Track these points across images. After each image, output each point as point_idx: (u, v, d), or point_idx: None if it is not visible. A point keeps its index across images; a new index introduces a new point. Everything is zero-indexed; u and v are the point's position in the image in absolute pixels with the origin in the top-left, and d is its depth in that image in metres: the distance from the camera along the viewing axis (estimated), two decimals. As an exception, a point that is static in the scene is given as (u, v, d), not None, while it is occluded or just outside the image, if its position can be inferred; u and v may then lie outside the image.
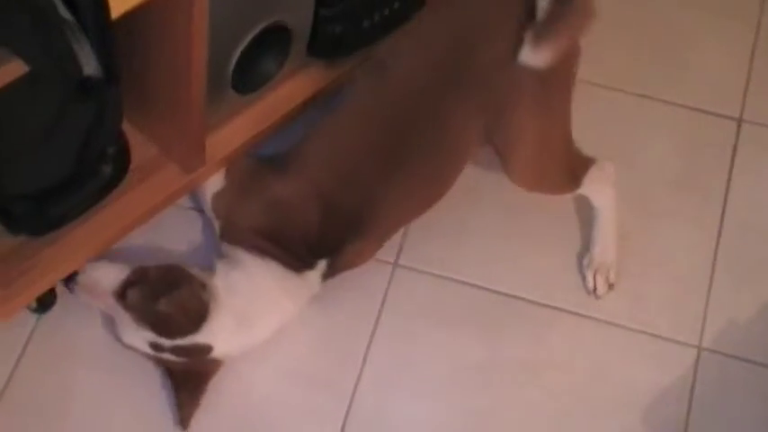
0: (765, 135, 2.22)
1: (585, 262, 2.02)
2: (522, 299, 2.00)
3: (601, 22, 2.24)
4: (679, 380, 1.94)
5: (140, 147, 1.90)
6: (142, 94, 1.84)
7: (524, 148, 1.90)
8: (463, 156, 1.93)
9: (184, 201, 2.01)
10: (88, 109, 1.67)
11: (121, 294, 1.80)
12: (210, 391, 1.84)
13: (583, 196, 2.03)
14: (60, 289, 1.88)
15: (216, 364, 1.83)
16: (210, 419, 1.83)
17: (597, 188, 2.01)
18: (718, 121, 2.23)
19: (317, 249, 1.87)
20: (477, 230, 2.06)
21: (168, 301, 1.77)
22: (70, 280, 1.84)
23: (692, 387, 1.93)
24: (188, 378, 1.81)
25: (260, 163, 1.93)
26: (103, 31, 1.51)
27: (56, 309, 1.90)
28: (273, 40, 1.89)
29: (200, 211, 2.00)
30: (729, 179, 2.16)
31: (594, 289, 2.01)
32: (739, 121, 2.24)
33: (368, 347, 1.93)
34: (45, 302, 1.88)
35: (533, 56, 1.78)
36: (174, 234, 1.98)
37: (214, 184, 1.92)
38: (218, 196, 1.92)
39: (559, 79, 1.87)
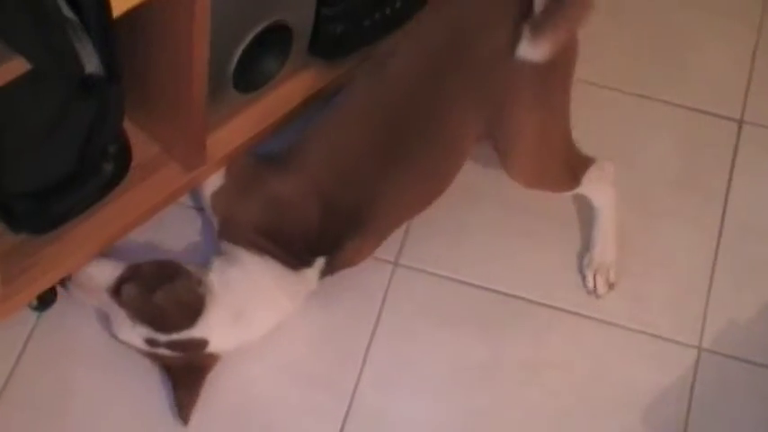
0: (766, 136, 2.22)
1: (585, 262, 2.02)
2: (523, 298, 2.00)
3: (601, 21, 2.26)
4: (679, 380, 1.94)
5: (142, 145, 1.90)
6: (143, 92, 1.84)
7: (523, 144, 1.90)
8: (462, 152, 1.93)
9: (185, 199, 2.01)
10: (90, 107, 1.67)
11: (116, 291, 1.81)
12: (209, 389, 1.84)
13: (583, 196, 2.03)
14: (64, 293, 1.88)
15: (213, 359, 1.83)
16: (210, 419, 1.83)
17: (597, 187, 2.01)
18: (719, 122, 2.23)
19: (315, 247, 1.87)
20: (477, 230, 2.06)
21: (164, 294, 1.77)
22: (64, 277, 1.84)
23: (692, 387, 1.94)
24: (185, 373, 1.81)
25: (259, 161, 1.93)
26: (105, 30, 1.51)
27: (56, 307, 1.90)
28: (274, 40, 1.89)
29: (200, 209, 2.00)
30: (730, 180, 2.16)
31: (595, 289, 2.01)
32: (740, 122, 2.24)
33: (368, 346, 1.93)
34: (46, 300, 1.88)
35: (531, 50, 1.78)
36: (173, 232, 1.98)
37: (214, 181, 1.92)
38: (217, 194, 1.92)
39: (558, 74, 1.87)
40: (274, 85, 1.97)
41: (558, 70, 1.86)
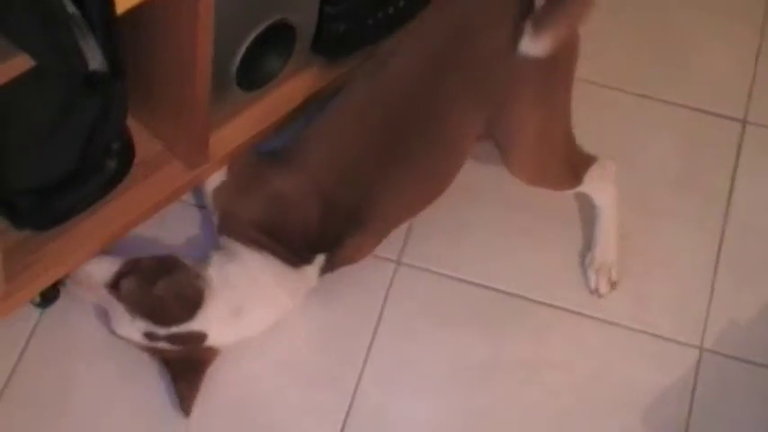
0: (769, 137, 2.23)
1: (587, 261, 2.03)
2: (524, 297, 2.00)
3: (603, 20, 2.26)
4: (680, 380, 1.94)
5: (145, 143, 1.90)
6: (147, 90, 1.85)
7: (525, 141, 1.90)
8: (462, 151, 1.93)
9: (186, 196, 2.01)
10: (93, 104, 1.67)
11: (114, 285, 1.81)
12: (210, 386, 1.84)
13: (584, 195, 2.04)
14: (63, 288, 1.89)
15: (212, 353, 1.83)
16: (210, 415, 1.83)
17: (598, 186, 2.01)
18: (722, 122, 2.23)
19: (315, 244, 1.87)
20: (479, 228, 2.06)
21: (163, 285, 1.78)
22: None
23: (694, 388, 1.94)
24: (185, 367, 1.81)
25: (261, 158, 1.94)
26: (109, 26, 1.52)
27: (59, 303, 1.90)
28: (278, 38, 1.90)
29: (202, 207, 2.00)
30: (733, 180, 2.16)
31: (597, 288, 2.01)
32: (743, 123, 2.24)
33: (370, 345, 1.93)
34: (48, 297, 1.88)
35: (533, 45, 1.79)
36: (174, 229, 1.98)
37: (215, 178, 1.93)
38: (218, 190, 1.92)
39: (559, 72, 1.87)
40: (277, 84, 1.98)
41: (560, 68, 1.87)
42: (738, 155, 2.19)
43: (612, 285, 2.01)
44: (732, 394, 1.93)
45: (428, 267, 2.01)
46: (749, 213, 2.13)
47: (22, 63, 1.48)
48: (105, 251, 1.86)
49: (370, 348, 1.93)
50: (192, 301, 1.80)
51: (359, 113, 1.89)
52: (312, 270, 1.88)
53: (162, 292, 1.78)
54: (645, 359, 1.96)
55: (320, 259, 1.87)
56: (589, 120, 2.06)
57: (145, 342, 1.81)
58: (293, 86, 2.00)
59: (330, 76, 2.02)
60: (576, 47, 1.88)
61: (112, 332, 1.83)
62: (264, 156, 1.94)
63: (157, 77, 1.82)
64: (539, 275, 2.02)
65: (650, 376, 1.94)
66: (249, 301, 1.84)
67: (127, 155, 1.86)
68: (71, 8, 1.45)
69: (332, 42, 2.00)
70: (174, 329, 1.79)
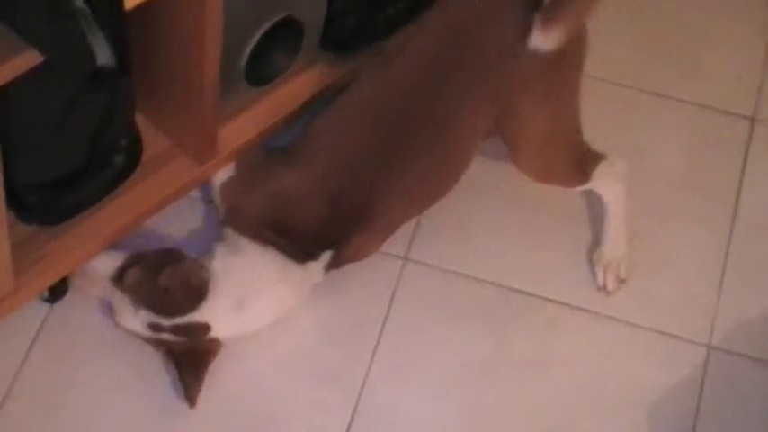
0: (779, 134, 2.23)
1: (595, 258, 2.02)
2: (531, 294, 2.00)
3: (613, 17, 2.25)
4: (688, 378, 1.94)
5: (152, 138, 1.90)
6: (155, 86, 1.85)
7: (533, 137, 1.90)
8: (469, 148, 1.93)
9: (194, 191, 2.01)
10: (101, 99, 1.68)
11: (119, 278, 1.81)
12: (216, 381, 1.84)
13: (592, 192, 2.03)
14: (72, 279, 1.89)
15: (216, 344, 1.83)
16: (215, 411, 1.84)
17: (607, 183, 2.01)
18: (731, 120, 2.23)
19: (321, 241, 1.87)
20: (486, 225, 2.06)
21: (169, 273, 1.78)
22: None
23: (701, 385, 1.93)
24: (189, 358, 1.82)
25: (268, 153, 1.94)
26: (117, 21, 1.52)
27: (67, 298, 1.90)
28: (286, 34, 1.90)
29: (208, 202, 2.00)
30: (741, 177, 2.16)
31: (605, 285, 2.01)
32: (752, 120, 2.23)
33: (377, 341, 1.93)
34: (57, 292, 1.89)
35: (543, 38, 1.79)
36: (180, 224, 1.98)
37: (223, 173, 1.93)
38: (225, 185, 1.92)
39: (568, 67, 1.87)
40: (285, 80, 1.98)
41: (568, 63, 1.86)
42: (747, 152, 2.19)
43: (621, 282, 2.01)
44: (740, 392, 1.93)
45: (435, 264, 2.01)
46: (758, 211, 2.12)
47: (31, 58, 1.49)
48: (115, 246, 1.86)
49: (377, 344, 1.93)
50: (196, 292, 1.80)
51: (366, 110, 1.89)
52: (317, 266, 1.88)
53: (166, 281, 1.78)
54: (652, 357, 1.95)
55: (326, 256, 1.87)
56: (597, 116, 2.05)
57: (149, 333, 1.81)
58: (301, 82, 2.00)
59: (338, 72, 2.02)
60: (584, 42, 1.88)
61: (117, 325, 1.84)
62: (272, 151, 1.94)
63: (165, 73, 1.83)
64: (546, 272, 2.02)
65: (658, 374, 1.94)
66: (252, 295, 1.84)
67: (135, 150, 1.86)
68: (79, 3, 1.46)
69: (340, 38, 2.00)
70: (178, 320, 1.79)
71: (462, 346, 1.94)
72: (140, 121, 1.87)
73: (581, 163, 1.98)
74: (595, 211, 2.06)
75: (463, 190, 1.98)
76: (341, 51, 2.03)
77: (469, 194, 2.03)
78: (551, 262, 2.03)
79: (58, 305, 1.90)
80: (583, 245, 2.05)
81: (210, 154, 1.90)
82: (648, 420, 1.89)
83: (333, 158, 1.87)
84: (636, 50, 2.30)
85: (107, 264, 1.84)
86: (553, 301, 2.00)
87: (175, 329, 1.80)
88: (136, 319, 1.80)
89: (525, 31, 1.80)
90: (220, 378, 1.85)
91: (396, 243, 1.98)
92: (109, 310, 1.86)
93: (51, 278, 1.82)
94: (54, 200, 1.79)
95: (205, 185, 1.98)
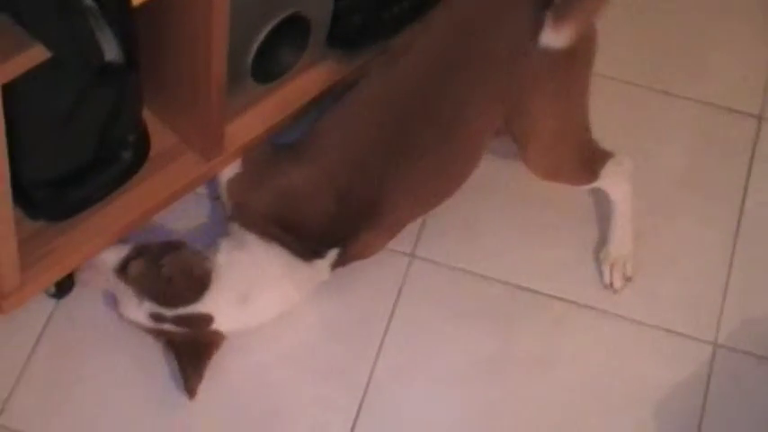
0: (786, 132, 2.22)
1: (602, 255, 2.02)
2: (537, 292, 2.00)
3: (621, 16, 2.25)
4: (694, 376, 1.94)
5: (160, 134, 1.91)
6: (162, 82, 1.85)
7: (543, 135, 1.90)
8: (479, 146, 1.93)
9: (200, 188, 2.01)
10: (109, 95, 1.68)
11: (122, 270, 1.82)
12: (219, 375, 1.85)
13: (599, 190, 2.03)
14: (79, 274, 1.89)
15: (218, 337, 1.84)
16: (218, 404, 1.84)
17: (614, 182, 2.01)
18: (738, 118, 2.23)
19: (328, 238, 1.87)
20: (492, 223, 2.06)
21: (169, 261, 1.78)
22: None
23: (707, 383, 1.93)
24: (191, 349, 1.82)
25: (276, 150, 1.94)
26: (125, 17, 1.52)
27: (74, 294, 1.91)
28: (293, 30, 1.90)
29: (215, 198, 2.00)
30: (748, 176, 2.16)
31: (611, 282, 2.00)
32: (759, 119, 2.23)
33: (383, 338, 1.93)
34: (63, 287, 1.89)
35: (555, 36, 1.79)
36: (186, 219, 1.98)
37: (230, 169, 1.93)
38: (232, 181, 1.93)
39: (577, 66, 1.87)
40: (292, 76, 1.98)
41: (578, 62, 1.86)
42: (754, 151, 2.19)
43: (627, 280, 2.01)
44: (746, 389, 1.93)
45: (442, 261, 2.01)
46: (764, 209, 2.12)
47: (38, 54, 1.49)
48: (122, 241, 1.87)
49: (383, 341, 1.93)
50: (199, 282, 1.80)
51: (374, 108, 1.89)
52: (324, 264, 1.88)
53: (168, 269, 1.79)
54: (658, 354, 1.95)
55: (333, 254, 1.88)
56: (605, 115, 2.05)
57: (151, 324, 1.81)
58: (308, 79, 2.00)
59: (345, 69, 2.03)
60: (593, 40, 1.88)
61: (120, 317, 1.84)
62: (279, 148, 1.94)
63: (173, 70, 1.83)
64: (553, 270, 2.02)
65: (664, 371, 1.94)
66: (255, 290, 1.84)
67: (142, 146, 1.86)
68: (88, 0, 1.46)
69: (347, 35, 2.00)
70: (181, 311, 1.79)
71: (469, 343, 1.94)
72: (147, 117, 1.87)
73: (589, 161, 1.98)
74: (602, 210, 2.06)
75: (470, 188, 1.98)
76: (347, 49, 2.03)
77: (476, 192, 2.03)
78: (558, 260, 2.03)
79: (65, 300, 1.91)
80: (589, 243, 2.05)
81: (217, 150, 1.91)
82: (655, 418, 1.89)
83: (341, 155, 1.88)
84: (643, 49, 2.29)
85: (111, 255, 1.84)
86: (560, 299, 2.00)
87: (178, 320, 1.80)
88: (139, 310, 1.81)
89: (536, 28, 1.80)
90: (224, 372, 1.85)
91: (402, 240, 1.98)
92: (113, 301, 1.86)
93: (58, 273, 1.83)
94: (61, 196, 1.79)
95: (212, 182, 1.99)
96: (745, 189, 2.14)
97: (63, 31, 1.47)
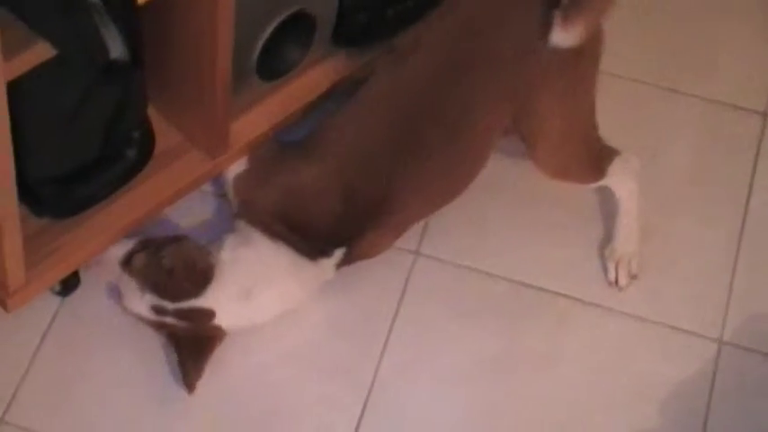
0: (791, 129, 2.22)
1: (607, 253, 2.02)
2: (543, 289, 2.00)
3: (627, 15, 2.25)
4: (699, 373, 1.94)
5: (165, 132, 1.91)
6: (167, 80, 1.85)
7: (551, 134, 1.90)
8: (487, 145, 1.93)
9: (206, 185, 2.01)
10: (114, 92, 1.68)
11: (126, 263, 1.82)
12: (221, 373, 1.85)
13: (605, 187, 2.03)
14: (84, 272, 1.89)
15: (220, 332, 1.83)
16: (219, 402, 1.84)
17: (620, 180, 2.01)
18: (743, 115, 2.23)
19: (334, 237, 1.87)
20: (497, 220, 2.06)
21: (171, 253, 1.79)
22: None
23: (712, 380, 1.93)
24: (191, 344, 1.82)
25: (282, 147, 1.94)
26: (130, 15, 1.52)
27: (79, 291, 1.91)
28: (298, 28, 1.90)
29: (220, 195, 2.00)
30: (754, 172, 2.15)
31: (616, 280, 2.00)
32: (764, 116, 2.23)
33: (387, 336, 1.93)
34: (69, 285, 1.89)
35: (565, 35, 1.79)
36: (190, 216, 1.98)
37: (236, 166, 1.93)
38: (239, 178, 1.93)
39: (585, 64, 1.87)
40: (297, 74, 1.98)
41: (586, 60, 1.87)
42: (759, 147, 2.19)
43: (632, 277, 2.01)
44: (751, 387, 1.93)
45: (447, 258, 2.01)
46: (769, 206, 2.12)
47: (43, 51, 1.49)
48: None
49: (387, 339, 1.93)
50: (201, 276, 1.80)
51: (382, 108, 1.89)
52: (329, 264, 1.88)
53: (169, 260, 1.79)
54: (664, 352, 1.95)
55: (338, 253, 1.88)
56: (612, 113, 2.05)
57: (153, 317, 1.81)
58: (313, 77, 2.00)
59: (350, 66, 2.03)
60: (601, 40, 1.88)
61: (124, 309, 1.84)
62: (286, 146, 1.94)
63: (178, 67, 1.83)
64: (558, 267, 2.02)
65: (669, 369, 1.93)
66: (258, 286, 1.84)
67: (147, 144, 1.86)
68: (93, -4, 1.46)
69: (352, 33, 2.00)
70: (183, 304, 1.80)
71: (474, 341, 1.93)
72: (152, 114, 1.87)
73: (597, 159, 1.98)
74: (608, 208, 2.06)
75: (474, 185, 1.97)
76: (352, 46, 2.03)
77: (481, 189, 2.03)
78: (563, 258, 2.03)
79: (70, 298, 1.91)
80: (595, 241, 2.05)
81: (222, 148, 1.91)
82: (660, 415, 1.89)
83: (349, 155, 1.87)
84: (649, 48, 2.29)
85: (117, 248, 1.84)
86: (565, 296, 2.00)
87: (179, 314, 1.80)
88: (141, 303, 1.81)
89: (545, 28, 1.80)
90: (227, 370, 1.85)
91: (407, 237, 1.98)
92: (118, 295, 1.86)
93: (63, 271, 1.83)
94: (66, 193, 1.79)
95: (217, 179, 1.99)
96: (751, 186, 2.14)
97: (68, 28, 1.47)
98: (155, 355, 1.86)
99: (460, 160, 1.92)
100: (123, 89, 1.67)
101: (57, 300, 1.90)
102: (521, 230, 2.05)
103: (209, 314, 1.82)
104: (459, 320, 1.95)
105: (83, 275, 1.90)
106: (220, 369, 1.85)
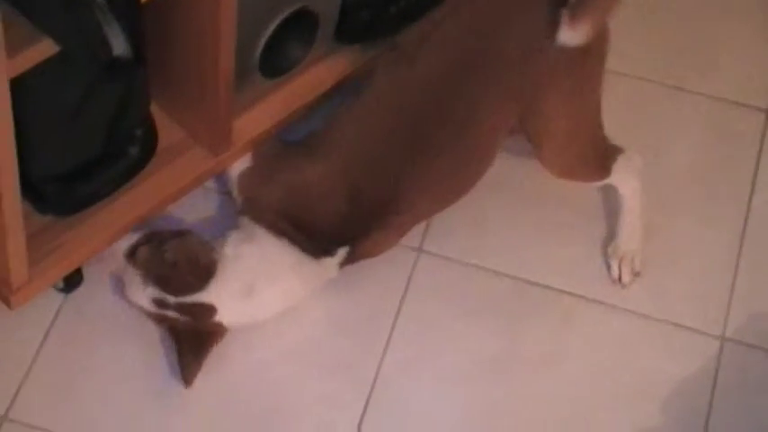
0: (793, 126, 2.22)
1: (610, 250, 2.02)
2: (545, 287, 2.00)
3: (631, 13, 2.25)
4: (701, 370, 1.94)
5: (167, 129, 1.91)
6: (170, 77, 1.85)
7: (558, 133, 1.90)
8: (493, 145, 1.92)
9: (209, 182, 2.01)
10: (116, 89, 1.68)
11: (131, 255, 1.83)
12: (221, 371, 1.85)
13: (608, 186, 2.03)
14: (87, 269, 1.90)
15: (220, 328, 1.84)
16: (220, 400, 1.84)
17: (624, 178, 2.01)
18: (746, 112, 2.23)
19: (338, 236, 1.87)
20: (500, 217, 2.06)
21: (174, 247, 1.79)
22: None
23: (715, 377, 1.93)
24: (191, 339, 1.82)
25: (287, 145, 1.94)
26: (133, 12, 1.53)
27: (82, 288, 1.91)
28: (301, 25, 1.90)
29: (223, 193, 2.01)
30: (756, 169, 2.15)
31: (620, 277, 2.00)
32: (767, 113, 2.23)
33: (390, 333, 1.93)
34: (72, 282, 1.89)
35: (572, 34, 1.79)
36: (193, 213, 1.98)
37: (240, 163, 1.93)
38: (243, 176, 1.93)
39: (591, 63, 1.87)
40: (300, 71, 1.98)
41: (592, 59, 1.87)
42: (762, 144, 2.19)
43: (635, 275, 2.01)
44: (754, 384, 1.93)
45: (449, 256, 2.01)
46: (772, 203, 2.12)
47: (46, 49, 1.49)
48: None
49: (390, 336, 1.93)
50: (204, 271, 1.81)
51: (388, 107, 1.89)
52: (332, 262, 1.88)
53: (171, 254, 1.79)
54: (666, 349, 1.95)
55: (342, 252, 1.87)
56: (615, 110, 2.05)
57: (154, 309, 1.81)
58: (316, 74, 2.00)
59: (353, 64, 2.03)
60: (607, 39, 1.88)
61: (127, 301, 1.84)
62: (290, 144, 1.94)
63: (180, 64, 1.83)
64: (561, 265, 2.02)
65: (671, 366, 1.94)
66: (261, 283, 1.84)
67: (150, 141, 1.86)
68: (95, -7, 1.46)
69: (354, 30, 2.00)
70: (185, 299, 1.80)
71: (477, 338, 1.93)
72: (155, 111, 1.87)
73: (603, 158, 1.98)
74: (611, 206, 2.06)
75: (478, 183, 1.97)
76: (355, 43, 2.03)
77: (484, 187, 2.02)
78: (567, 256, 2.03)
79: (73, 295, 1.91)
80: (598, 239, 2.05)
81: (225, 145, 1.91)
82: (662, 412, 1.89)
83: (355, 154, 1.87)
84: (654, 47, 2.29)
85: (124, 242, 1.85)
86: (568, 293, 2.00)
87: (181, 308, 1.80)
88: (143, 295, 1.81)
89: (552, 27, 1.80)
90: (227, 367, 1.85)
91: (410, 235, 1.97)
92: (121, 286, 1.86)
93: (66, 268, 1.83)
94: (69, 190, 1.80)
95: (220, 176, 1.99)
96: (754, 183, 2.14)
97: (71, 25, 1.47)
98: (158, 352, 1.87)
99: (467, 160, 1.92)
100: (126, 86, 1.68)
101: (60, 297, 1.90)
102: (523, 227, 2.05)
103: (211, 310, 1.82)
104: (462, 318, 1.95)
105: (86, 272, 1.90)
106: (222, 366, 1.85)
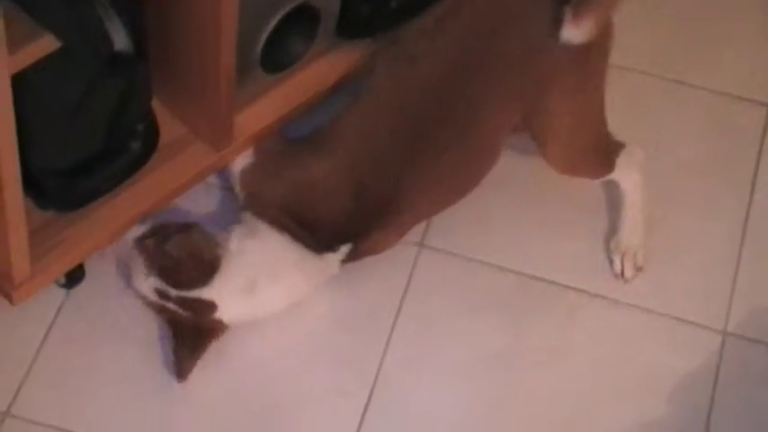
0: (795, 121, 2.22)
1: (613, 245, 2.02)
2: (548, 281, 2.00)
3: (637, 12, 2.25)
4: (703, 364, 1.94)
5: (169, 124, 1.91)
6: (171, 72, 1.85)
7: (562, 130, 1.90)
8: (497, 143, 1.92)
9: (211, 178, 2.01)
10: (118, 85, 1.68)
11: (138, 243, 1.83)
12: (222, 367, 1.85)
13: (610, 180, 2.03)
14: (89, 264, 1.90)
15: (220, 326, 1.83)
16: (220, 395, 1.84)
17: (626, 172, 2.01)
18: (748, 106, 2.23)
19: (342, 233, 1.87)
20: (503, 212, 2.06)
21: (177, 242, 1.79)
22: None
23: (717, 371, 1.93)
24: (189, 333, 1.82)
25: (290, 141, 1.94)
26: (134, 7, 1.53)
27: (84, 284, 1.91)
28: (302, 20, 1.90)
29: (226, 188, 2.00)
30: (758, 164, 2.15)
31: (622, 272, 2.00)
32: (769, 107, 2.24)
33: (392, 328, 1.93)
34: (74, 278, 1.89)
35: (575, 31, 1.79)
36: (195, 209, 1.98)
37: (242, 159, 1.93)
38: (245, 171, 1.92)
39: (594, 60, 1.87)
40: (301, 66, 1.98)
41: (596, 56, 1.86)
42: (763, 138, 2.19)
43: (638, 269, 2.01)
44: (755, 377, 1.93)
45: (451, 250, 2.01)
46: (774, 198, 2.12)
47: (48, 44, 1.49)
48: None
49: (392, 332, 1.93)
50: (208, 266, 1.81)
51: (389, 105, 1.88)
52: (335, 259, 1.88)
53: (172, 248, 1.79)
54: (669, 343, 1.95)
55: (344, 249, 1.87)
56: (616, 104, 2.05)
57: (155, 299, 1.81)
58: (318, 69, 2.00)
59: (354, 59, 2.02)
60: (610, 35, 1.88)
61: (130, 287, 1.85)
62: (294, 140, 1.94)
63: (182, 59, 1.83)
64: (563, 260, 2.02)
65: (674, 360, 1.94)
66: (263, 279, 1.84)
67: (151, 136, 1.86)
68: (97, -12, 1.46)
69: (356, 25, 2.00)
70: (186, 293, 1.80)
71: (479, 333, 1.93)
72: (157, 107, 1.87)
73: (606, 154, 1.98)
74: (613, 201, 2.06)
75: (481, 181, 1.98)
76: (356, 38, 2.03)
77: (486, 182, 2.02)
78: (569, 251, 2.03)
79: (75, 291, 1.91)
80: (601, 233, 2.05)
81: (227, 140, 1.91)
82: (665, 405, 1.89)
83: (360, 151, 1.87)
84: (654, 37, 2.29)
85: (133, 231, 1.85)
86: (571, 288, 1.99)
87: (182, 302, 1.80)
88: (146, 284, 1.81)
89: (555, 24, 1.80)
90: (228, 363, 1.85)
91: (412, 231, 1.97)
92: (128, 274, 1.86)
93: (68, 264, 1.83)
94: (71, 186, 1.80)
95: (222, 172, 1.99)
96: (755, 177, 2.14)
97: (72, 20, 1.47)
98: (160, 348, 1.86)
99: (468, 161, 1.92)
100: (127, 81, 1.68)
101: (62, 292, 1.90)
102: (525, 222, 2.05)
103: (211, 306, 1.82)
104: (465, 313, 1.95)
105: (88, 268, 1.90)
106: (223, 361, 1.85)
